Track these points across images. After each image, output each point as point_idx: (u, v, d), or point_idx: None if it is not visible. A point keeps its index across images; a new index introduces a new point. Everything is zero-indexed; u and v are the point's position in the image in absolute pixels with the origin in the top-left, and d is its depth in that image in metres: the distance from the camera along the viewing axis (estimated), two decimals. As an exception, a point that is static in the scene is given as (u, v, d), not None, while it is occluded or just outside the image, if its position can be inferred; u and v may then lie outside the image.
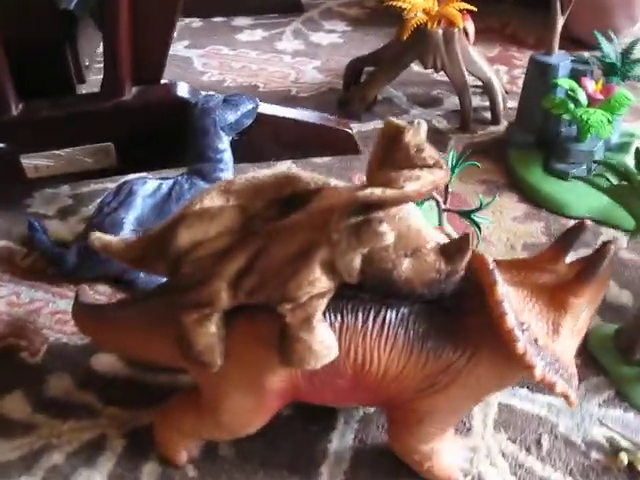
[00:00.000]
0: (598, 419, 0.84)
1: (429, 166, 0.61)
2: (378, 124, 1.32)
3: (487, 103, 1.33)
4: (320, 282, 0.61)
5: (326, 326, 0.64)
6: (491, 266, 0.64)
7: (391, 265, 0.62)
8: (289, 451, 0.80)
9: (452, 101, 1.38)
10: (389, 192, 0.57)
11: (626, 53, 1.20)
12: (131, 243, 0.70)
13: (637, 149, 0.81)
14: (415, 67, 1.43)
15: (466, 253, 0.63)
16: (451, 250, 0.63)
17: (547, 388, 0.65)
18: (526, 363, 0.64)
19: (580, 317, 0.69)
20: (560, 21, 1.17)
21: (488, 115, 1.34)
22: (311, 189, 0.64)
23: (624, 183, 0.79)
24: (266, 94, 1.38)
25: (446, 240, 0.65)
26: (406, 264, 0.62)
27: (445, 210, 0.96)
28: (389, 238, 0.59)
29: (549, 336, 0.67)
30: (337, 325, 0.66)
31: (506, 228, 1.10)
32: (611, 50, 1.21)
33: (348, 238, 0.60)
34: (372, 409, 0.83)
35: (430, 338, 0.67)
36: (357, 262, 0.61)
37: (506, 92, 1.38)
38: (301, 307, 0.62)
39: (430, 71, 1.40)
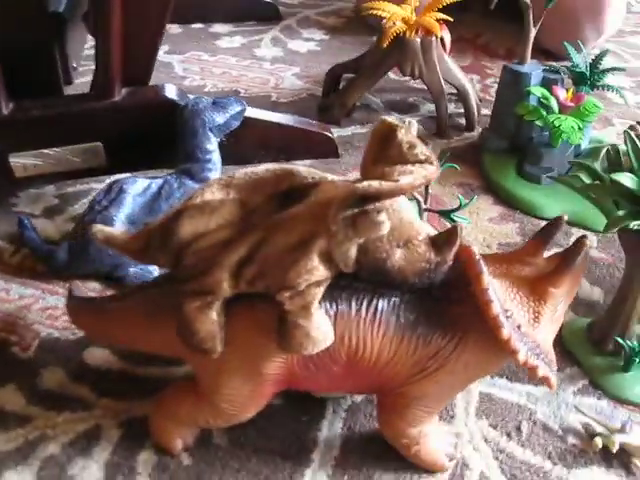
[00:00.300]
0: (574, 406, 0.88)
1: (421, 162, 0.65)
2: (357, 129, 1.36)
3: (462, 110, 1.38)
4: (318, 271, 0.65)
5: (322, 313, 0.67)
6: (477, 257, 0.68)
7: (385, 255, 0.65)
8: (281, 439, 0.82)
9: (428, 107, 1.43)
10: (385, 184, 0.61)
11: (595, 63, 1.26)
12: (133, 235, 0.72)
13: (608, 150, 0.86)
14: (392, 74, 1.48)
15: (454, 244, 0.67)
16: (440, 241, 0.67)
17: (529, 371, 0.69)
18: (510, 348, 0.68)
19: (558, 307, 0.74)
20: (533, 32, 1.22)
21: (463, 121, 1.39)
22: (309, 183, 0.67)
23: (596, 182, 0.83)
24: (247, 99, 1.39)
25: (435, 232, 0.69)
26: (399, 254, 0.66)
27: (426, 210, 1.00)
28: (386, 228, 0.63)
29: (530, 323, 0.71)
30: (332, 313, 0.69)
31: (482, 228, 1.15)
32: (580, 60, 1.26)
33: (345, 229, 0.63)
34: (359, 398, 0.87)
35: (420, 325, 0.71)
36: (353, 252, 0.65)
37: (480, 100, 1.43)
38: (300, 295, 0.65)
39: (407, 78, 1.44)
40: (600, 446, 0.83)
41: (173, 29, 1.71)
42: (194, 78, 1.52)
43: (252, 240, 0.66)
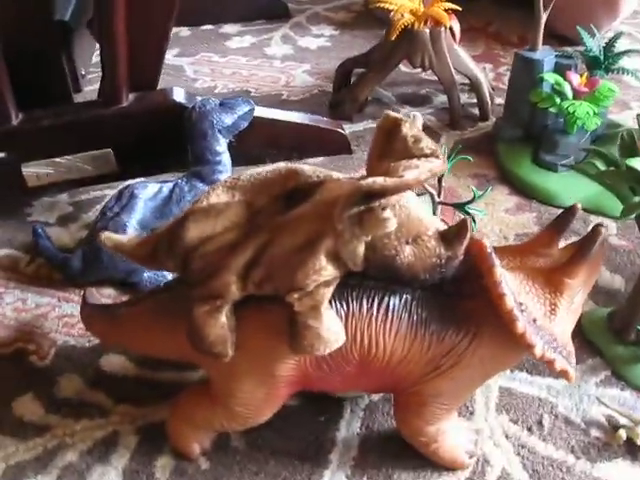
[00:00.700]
0: (596, 398, 0.86)
1: (427, 155, 0.64)
2: (369, 124, 1.35)
3: (475, 100, 1.36)
4: (326, 271, 0.64)
5: (333, 313, 0.67)
6: (489, 249, 0.67)
7: (394, 252, 0.64)
8: (299, 440, 0.82)
9: (441, 99, 1.41)
10: (390, 180, 0.60)
11: (608, 47, 1.23)
12: (141, 241, 0.72)
13: (621, 135, 0.84)
14: (403, 67, 1.46)
15: (464, 238, 0.66)
16: (450, 236, 0.66)
17: (547, 365, 0.68)
18: (526, 342, 0.66)
19: (575, 298, 0.72)
20: (543, 17, 1.20)
21: (476, 112, 1.37)
22: (314, 182, 0.67)
23: (611, 169, 0.81)
24: (258, 99, 1.40)
25: (445, 227, 0.67)
26: (408, 250, 0.65)
27: (440, 203, 0.99)
28: (392, 224, 0.62)
29: (546, 316, 0.70)
30: (343, 312, 0.68)
31: (499, 220, 1.13)
32: (594, 44, 1.24)
33: (352, 227, 0.62)
34: (377, 397, 0.86)
35: (433, 322, 0.70)
36: (361, 250, 0.64)
37: (492, 89, 1.41)
38: (309, 295, 0.64)
39: (418, 70, 1.43)
40: (624, 438, 0.81)
41: (183, 32, 1.70)
42: (204, 80, 1.51)
43: (258, 242, 0.65)
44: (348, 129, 1.31)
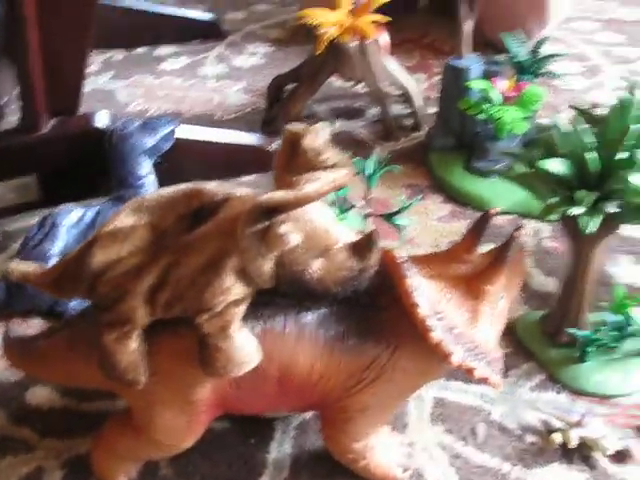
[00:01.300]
0: (531, 403, 0.86)
1: (330, 167, 0.63)
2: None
3: (409, 110, 1.36)
4: (234, 289, 0.62)
5: (246, 333, 0.65)
6: (399, 260, 0.66)
7: (303, 267, 0.63)
8: (229, 464, 0.80)
9: (374, 111, 1.41)
10: (289, 194, 0.59)
11: (534, 51, 1.24)
12: (48, 269, 0.70)
13: (541, 138, 0.84)
14: (337, 82, 1.46)
15: (374, 249, 0.64)
16: (360, 247, 0.65)
17: (466, 373, 0.67)
18: (442, 351, 0.65)
19: (498, 304, 0.72)
20: (468, 25, 1.21)
21: (410, 122, 1.37)
22: (218, 200, 0.65)
23: (531, 171, 0.81)
24: (191, 119, 1.38)
25: (356, 238, 0.66)
26: (317, 264, 0.64)
27: (368, 215, 0.98)
28: (293, 240, 0.60)
29: (468, 324, 0.69)
30: (258, 331, 0.67)
31: (433, 229, 1.13)
32: (520, 49, 1.25)
33: (255, 244, 0.61)
34: (309, 415, 0.84)
35: (350, 336, 0.69)
36: (268, 267, 0.63)
37: (427, 99, 1.41)
38: (218, 316, 0.63)
39: (352, 84, 1.43)
40: (559, 442, 0.81)
41: (116, 55, 1.68)
42: (138, 102, 1.49)
43: (163, 264, 0.63)
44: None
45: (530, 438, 0.82)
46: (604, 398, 0.87)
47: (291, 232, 0.60)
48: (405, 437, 0.82)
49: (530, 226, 1.11)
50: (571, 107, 0.91)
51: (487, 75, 1.22)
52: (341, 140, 1.32)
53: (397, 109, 1.38)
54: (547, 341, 0.92)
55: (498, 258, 0.70)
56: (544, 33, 1.63)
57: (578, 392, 0.88)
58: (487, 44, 1.54)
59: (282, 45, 1.72)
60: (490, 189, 1.17)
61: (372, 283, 0.67)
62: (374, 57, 1.28)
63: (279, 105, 1.37)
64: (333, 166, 0.63)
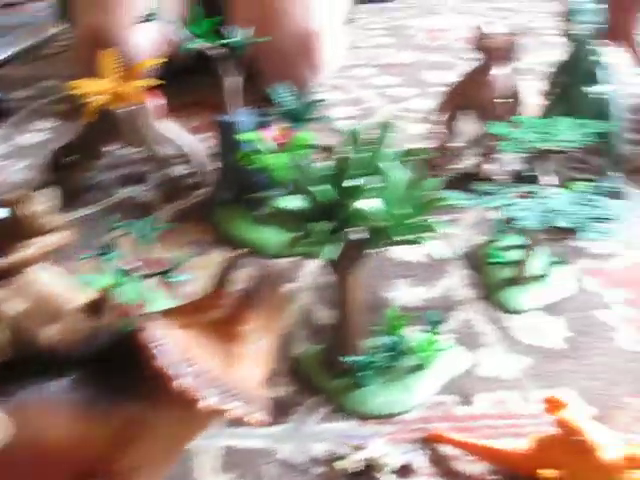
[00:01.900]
0: (317, 435, 0.87)
1: (48, 231, 0.63)
2: (87, 211, 1.33)
3: (191, 170, 1.39)
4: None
5: (-16, 411, 0.63)
6: (134, 314, 0.66)
7: (33, 333, 0.62)
8: None
9: (159, 175, 1.42)
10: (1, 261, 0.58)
11: (300, 99, 1.30)
12: None
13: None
14: (124, 149, 1.46)
15: (108, 307, 0.65)
16: (95, 306, 0.65)
17: (219, 416, 0.67)
18: (189, 398, 0.66)
19: (258, 343, 0.73)
20: (230, 82, 1.26)
21: (194, 181, 1.39)
22: None
23: (265, 213, 0.85)
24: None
25: (92, 297, 0.66)
26: (51, 329, 0.63)
27: (146, 276, 0.98)
28: (14, 307, 0.59)
29: (222, 367, 0.70)
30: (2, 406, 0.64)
31: (216, 281, 1.14)
32: (288, 99, 1.30)
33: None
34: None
35: (105, 397, 0.68)
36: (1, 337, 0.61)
37: (214, 155, 1.44)
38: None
39: (138, 150, 1.44)
40: (344, 468, 0.83)
41: None
42: None
43: None
44: (66, 217, 1.28)
45: (317, 470, 0.84)
46: (389, 417, 0.90)
47: (11, 300, 0.59)
48: (194, 491, 0.82)
49: (308, 266, 1.15)
50: (318, 147, 0.96)
51: (259, 126, 1.26)
52: (125, 206, 1.32)
53: (180, 170, 1.40)
54: (328, 372, 0.94)
55: (246, 299, 0.72)
56: (322, 80, 1.72)
57: (365, 417, 0.90)
58: (265, 98, 1.61)
59: (69, 118, 1.71)
60: (267, 234, 1.19)
61: (118, 340, 0.67)
62: (145, 121, 1.29)
63: (57, 177, 1.35)
64: (51, 230, 0.63)
